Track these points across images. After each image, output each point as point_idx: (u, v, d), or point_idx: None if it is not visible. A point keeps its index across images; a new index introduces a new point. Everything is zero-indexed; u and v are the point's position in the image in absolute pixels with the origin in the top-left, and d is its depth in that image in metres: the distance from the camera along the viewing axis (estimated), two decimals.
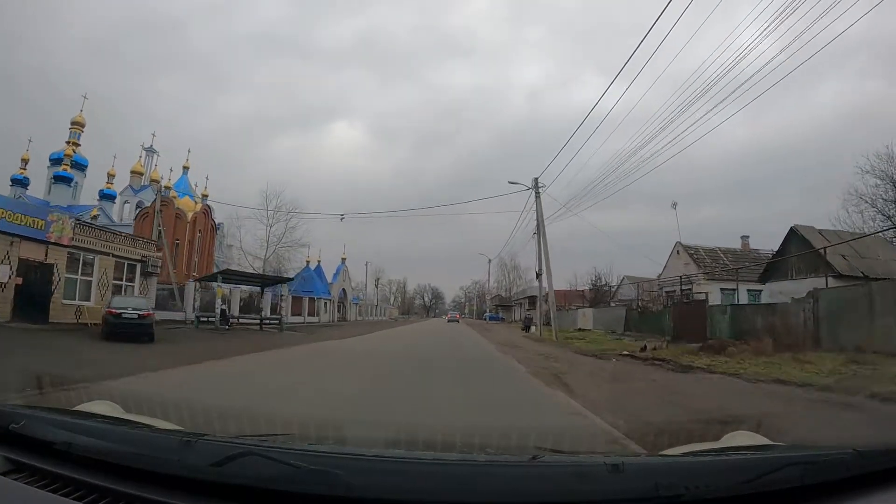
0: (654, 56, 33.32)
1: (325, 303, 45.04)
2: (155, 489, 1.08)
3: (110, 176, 42.58)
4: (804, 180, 75.15)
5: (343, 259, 55.15)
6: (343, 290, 53.41)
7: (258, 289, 29.26)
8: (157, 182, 38.98)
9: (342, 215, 26.31)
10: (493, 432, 3.20)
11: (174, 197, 37.34)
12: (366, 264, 67.81)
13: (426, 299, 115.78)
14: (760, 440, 1.70)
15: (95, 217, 35.10)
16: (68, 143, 40.02)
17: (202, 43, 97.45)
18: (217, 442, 1.24)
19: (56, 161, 39.68)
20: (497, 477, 1.14)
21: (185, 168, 40.91)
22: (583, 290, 40.79)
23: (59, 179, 39.27)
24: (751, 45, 39.88)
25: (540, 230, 24.40)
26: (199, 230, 38.22)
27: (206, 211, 39.21)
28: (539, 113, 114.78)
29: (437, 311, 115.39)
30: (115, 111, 79.49)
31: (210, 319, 22.12)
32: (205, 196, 39.41)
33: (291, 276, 36.47)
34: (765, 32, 38.69)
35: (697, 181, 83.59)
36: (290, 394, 6.80)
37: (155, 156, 43.52)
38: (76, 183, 40.83)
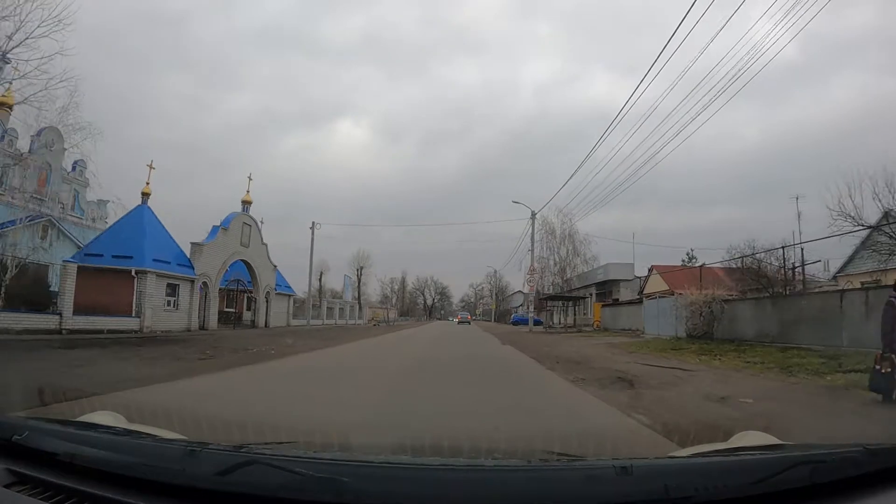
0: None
1: (178, 288, 22.47)
2: (159, 499, 1.07)
3: None
4: None
5: (246, 203, 28.07)
6: (245, 264, 27.50)
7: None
8: None
9: None
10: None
11: None
12: (312, 225, 38.71)
13: (429, 298, 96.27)
14: (770, 440, 1.65)
15: None
16: None
17: (204, 38, 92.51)
18: (221, 451, 1.21)
19: None
20: (505, 482, 1.11)
21: None
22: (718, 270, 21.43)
23: None
24: None
25: None
26: None
27: None
28: (548, 109, 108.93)
29: (443, 312, 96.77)
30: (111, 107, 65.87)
31: None
32: None
33: None
34: None
35: None
36: None
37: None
38: None
